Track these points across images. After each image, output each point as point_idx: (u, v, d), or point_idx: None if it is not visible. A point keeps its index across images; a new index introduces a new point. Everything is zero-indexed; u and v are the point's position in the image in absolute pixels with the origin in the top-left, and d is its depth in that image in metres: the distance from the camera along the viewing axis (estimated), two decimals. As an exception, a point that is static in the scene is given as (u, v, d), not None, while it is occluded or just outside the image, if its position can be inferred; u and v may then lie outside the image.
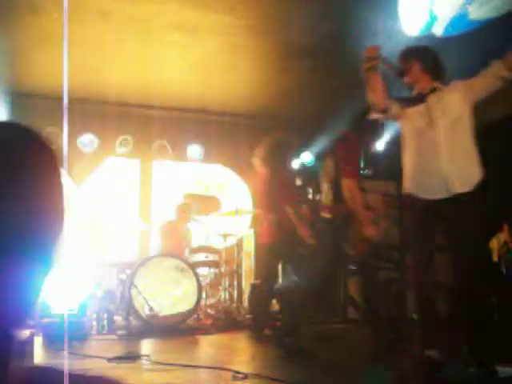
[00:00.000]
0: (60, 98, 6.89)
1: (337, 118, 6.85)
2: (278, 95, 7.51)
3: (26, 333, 3.07)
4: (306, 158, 8.25)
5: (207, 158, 8.42)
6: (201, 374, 3.74)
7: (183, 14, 5.59)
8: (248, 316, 6.57)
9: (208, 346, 5.38)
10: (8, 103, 7.24)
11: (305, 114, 7.76)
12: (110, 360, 4.02)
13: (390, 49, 3.65)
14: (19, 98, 7.27)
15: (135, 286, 5.96)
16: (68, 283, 5.52)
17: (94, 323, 5.89)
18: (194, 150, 8.33)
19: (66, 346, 4.12)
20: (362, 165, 5.81)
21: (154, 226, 7.41)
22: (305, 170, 8.07)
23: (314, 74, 6.69)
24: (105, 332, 5.81)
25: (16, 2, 5.35)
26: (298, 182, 7.80)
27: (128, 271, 6.24)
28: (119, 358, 4.10)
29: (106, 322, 5.95)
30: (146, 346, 5.25)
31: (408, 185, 3.68)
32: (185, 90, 7.47)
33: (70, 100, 7.08)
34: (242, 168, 8.34)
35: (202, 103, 7.89)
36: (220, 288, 6.83)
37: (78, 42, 6.02)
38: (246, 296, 7.25)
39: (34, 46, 6.23)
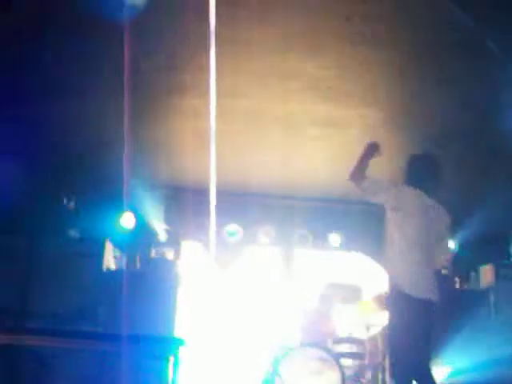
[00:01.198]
0: (208, 191, 7.47)
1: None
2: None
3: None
4: (452, 245, 7.96)
5: (348, 246, 8.44)
6: None
7: (323, 109, 5.88)
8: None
9: None
10: (162, 196, 7.85)
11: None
12: None
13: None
14: (172, 191, 7.87)
15: (279, 375, 5.98)
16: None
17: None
18: (334, 238, 8.40)
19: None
20: None
21: (297, 314, 7.44)
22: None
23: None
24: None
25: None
26: (444, 271, 7.53)
27: (271, 359, 6.28)
28: None
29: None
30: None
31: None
32: (327, 181, 7.65)
33: (219, 192, 7.53)
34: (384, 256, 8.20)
35: (343, 193, 8.00)
36: (363, 381, 6.61)
37: (226, 140, 6.48)
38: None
39: (190, 146, 6.79)
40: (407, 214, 3.70)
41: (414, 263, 3.65)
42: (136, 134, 6.06)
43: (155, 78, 5.39)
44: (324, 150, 6.83)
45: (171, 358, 2.84)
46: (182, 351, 3.01)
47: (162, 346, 2.83)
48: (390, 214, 3.81)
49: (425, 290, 3.65)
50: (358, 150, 6.69)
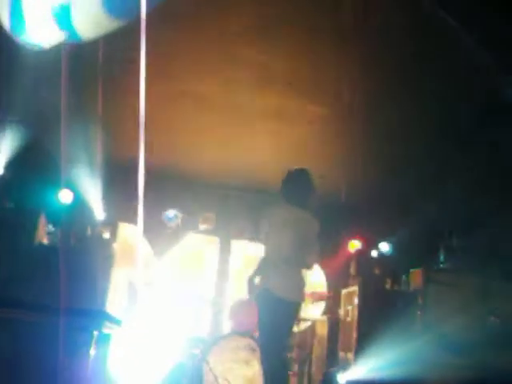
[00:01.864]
0: (151, 174, 7.40)
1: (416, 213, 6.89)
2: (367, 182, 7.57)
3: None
4: (385, 247, 8.17)
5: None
6: None
7: (272, 102, 5.91)
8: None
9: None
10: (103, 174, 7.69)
11: (393, 203, 7.75)
12: None
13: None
14: (114, 168, 7.72)
15: (207, 363, 5.97)
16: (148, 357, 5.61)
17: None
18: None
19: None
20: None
21: (228, 303, 7.46)
22: (383, 260, 8.00)
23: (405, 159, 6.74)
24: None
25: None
26: (376, 271, 7.72)
27: (201, 346, 6.27)
28: None
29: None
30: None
31: None
32: (266, 174, 7.68)
33: (159, 176, 7.49)
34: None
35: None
36: (290, 373, 6.70)
37: (173, 124, 6.44)
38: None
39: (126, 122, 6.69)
40: (275, 228, 4.27)
41: (279, 267, 4.23)
42: (77, 110, 5.92)
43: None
44: (269, 143, 6.85)
45: (96, 332, 2.80)
46: (111, 327, 2.98)
47: (88, 319, 2.80)
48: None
49: (288, 291, 4.21)
50: (306, 144, 6.81)
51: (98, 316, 2.98)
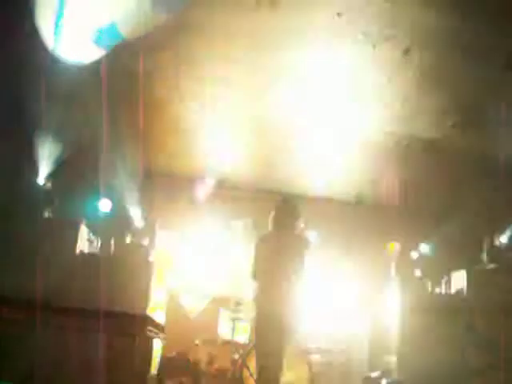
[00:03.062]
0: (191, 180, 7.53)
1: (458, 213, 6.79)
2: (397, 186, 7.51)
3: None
4: (425, 249, 8.05)
5: (325, 243, 8.46)
6: None
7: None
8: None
9: None
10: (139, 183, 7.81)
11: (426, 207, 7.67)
12: None
13: None
14: (152, 177, 7.83)
15: (247, 368, 5.99)
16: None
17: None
18: (312, 235, 8.40)
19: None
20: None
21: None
22: (424, 262, 7.89)
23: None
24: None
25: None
26: (417, 274, 7.62)
27: (241, 351, 6.29)
28: None
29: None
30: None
31: None
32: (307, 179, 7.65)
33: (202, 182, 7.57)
34: (360, 256, 8.31)
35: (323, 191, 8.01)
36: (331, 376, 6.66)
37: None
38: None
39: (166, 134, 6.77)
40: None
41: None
42: (118, 122, 6.04)
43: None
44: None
45: (137, 337, 2.84)
46: (154, 332, 3.01)
47: (132, 324, 2.83)
48: None
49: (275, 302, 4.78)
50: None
51: (142, 321, 3.01)
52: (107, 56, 3.86)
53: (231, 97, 5.88)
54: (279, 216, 5.10)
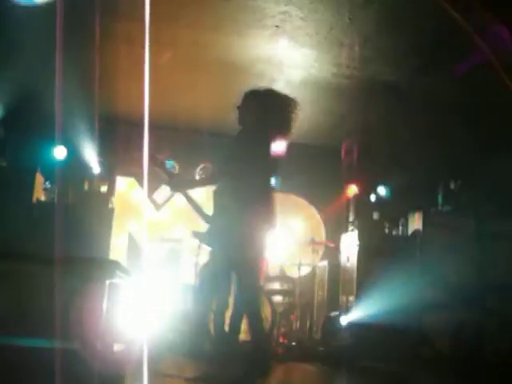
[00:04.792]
0: (141, 125, 7.31)
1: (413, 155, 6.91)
2: (354, 129, 7.57)
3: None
4: (383, 191, 8.20)
5: (283, 188, 8.50)
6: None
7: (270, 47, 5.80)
8: (321, 348, 6.52)
9: (282, 375, 5.37)
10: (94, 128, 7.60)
11: (382, 149, 7.77)
12: (187, 379, 4.08)
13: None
14: (108, 121, 7.62)
15: (211, 310, 6.04)
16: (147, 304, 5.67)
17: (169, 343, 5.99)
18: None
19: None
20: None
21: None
22: (381, 204, 8.04)
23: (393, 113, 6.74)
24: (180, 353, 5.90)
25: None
26: (374, 216, 7.76)
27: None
28: (196, 380, 4.12)
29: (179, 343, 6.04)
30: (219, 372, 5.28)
31: None
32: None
33: (156, 126, 7.40)
34: (317, 199, 8.41)
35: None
36: (292, 318, 6.82)
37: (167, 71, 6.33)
38: (318, 327, 7.19)
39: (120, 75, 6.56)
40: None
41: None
42: (72, 65, 5.80)
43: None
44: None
45: (107, 282, 2.81)
46: (121, 276, 2.99)
47: (98, 269, 2.79)
48: None
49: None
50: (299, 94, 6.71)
51: (111, 266, 2.98)
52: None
53: (192, 38, 5.75)
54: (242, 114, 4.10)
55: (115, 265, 3.05)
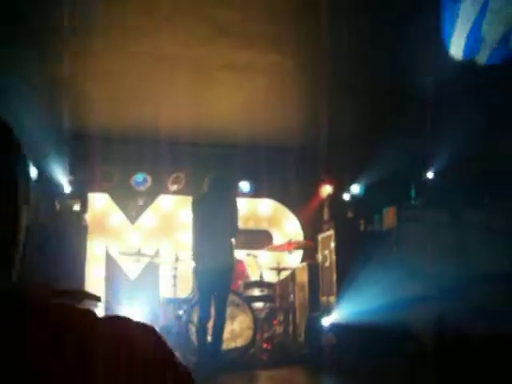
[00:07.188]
0: (114, 139, 7.28)
1: (385, 152, 6.94)
2: (325, 130, 7.58)
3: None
4: (356, 189, 8.24)
5: (257, 193, 8.50)
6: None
7: (234, 54, 5.79)
8: (304, 351, 6.52)
9: (268, 382, 5.36)
10: (66, 143, 7.50)
11: (353, 148, 7.79)
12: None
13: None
14: (76, 137, 7.53)
15: (192, 322, 6.02)
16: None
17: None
18: (244, 185, 8.42)
19: None
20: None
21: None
22: (355, 202, 8.08)
23: (363, 111, 6.76)
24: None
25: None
26: (349, 214, 7.80)
27: (185, 307, 6.30)
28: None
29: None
30: (204, 382, 5.24)
31: None
32: (234, 127, 7.61)
33: (123, 140, 7.36)
34: (292, 201, 8.40)
35: (250, 140, 8.00)
36: (275, 322, 6.81)
37: (133, 82, 6.28)
38: (301, 330, 7.18)
39: (92, 83, 6.49)
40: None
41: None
42: (39, 76, 5.72)
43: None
44: (233, 96, 6.76)
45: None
46: (92, 304, 2.93)
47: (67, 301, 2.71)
48: None
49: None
50: (268, 98, 6.74)
51: (78, 296, 2.91)
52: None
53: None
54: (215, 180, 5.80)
55: (83, 295, 2.98)
